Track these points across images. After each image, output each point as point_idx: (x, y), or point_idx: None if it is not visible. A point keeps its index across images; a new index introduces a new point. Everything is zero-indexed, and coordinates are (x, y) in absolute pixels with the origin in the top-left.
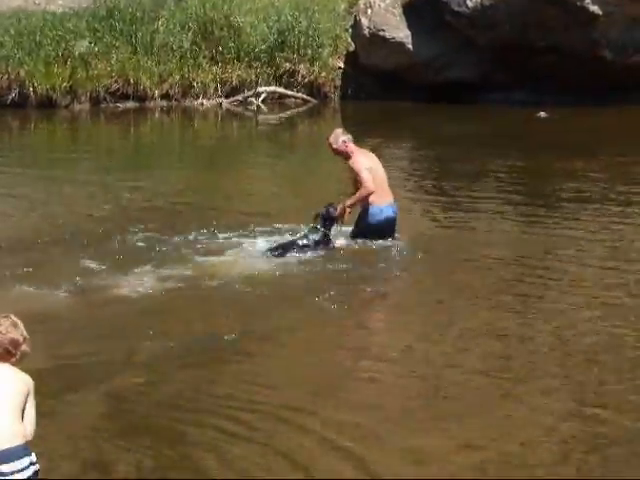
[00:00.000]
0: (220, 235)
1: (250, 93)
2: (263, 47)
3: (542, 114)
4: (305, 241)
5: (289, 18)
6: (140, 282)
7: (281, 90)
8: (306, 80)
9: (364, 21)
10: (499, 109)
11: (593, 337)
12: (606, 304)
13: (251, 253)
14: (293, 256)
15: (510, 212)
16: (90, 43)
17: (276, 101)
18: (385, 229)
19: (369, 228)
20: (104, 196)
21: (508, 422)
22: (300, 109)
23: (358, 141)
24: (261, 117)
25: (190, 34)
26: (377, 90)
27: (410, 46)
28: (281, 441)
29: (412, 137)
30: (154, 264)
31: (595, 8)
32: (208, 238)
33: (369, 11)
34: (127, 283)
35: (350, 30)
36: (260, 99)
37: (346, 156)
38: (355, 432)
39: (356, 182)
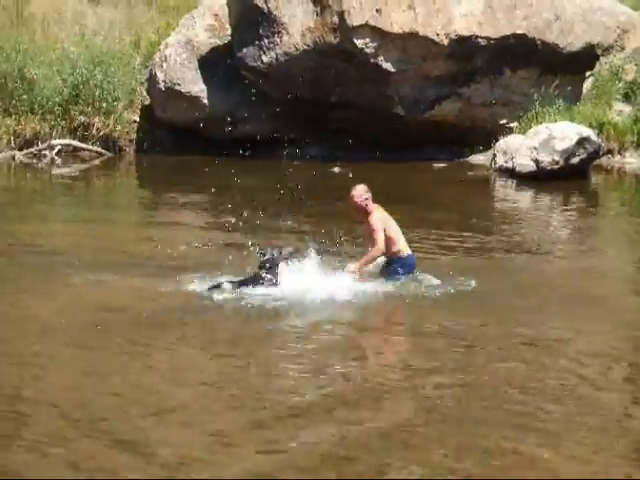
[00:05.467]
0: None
1: (44, 146)
2: (57, 100)
3: (336, 169)
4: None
5: (84, 71)
6: None
7: (75, 143)
8: (101, 133)
9: (159, 75)
10: (294, 163)
11: None
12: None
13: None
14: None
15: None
16: None
17: (71, 154)
18: None
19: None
20: None
21: None
22: (95, 162)
23: (155, 194)
24: (55, 170)
25: None
26: (173, 144)
27: (205, 100)
28: None
29: (204, 189)
30: None
31: (388, 65)
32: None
33: (164, 65)
34: None
35: (146, 84)
36: (54, 152)
37: (364, 212)
38: None
39: (370, 237)
